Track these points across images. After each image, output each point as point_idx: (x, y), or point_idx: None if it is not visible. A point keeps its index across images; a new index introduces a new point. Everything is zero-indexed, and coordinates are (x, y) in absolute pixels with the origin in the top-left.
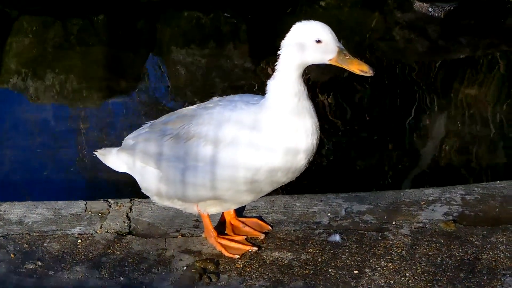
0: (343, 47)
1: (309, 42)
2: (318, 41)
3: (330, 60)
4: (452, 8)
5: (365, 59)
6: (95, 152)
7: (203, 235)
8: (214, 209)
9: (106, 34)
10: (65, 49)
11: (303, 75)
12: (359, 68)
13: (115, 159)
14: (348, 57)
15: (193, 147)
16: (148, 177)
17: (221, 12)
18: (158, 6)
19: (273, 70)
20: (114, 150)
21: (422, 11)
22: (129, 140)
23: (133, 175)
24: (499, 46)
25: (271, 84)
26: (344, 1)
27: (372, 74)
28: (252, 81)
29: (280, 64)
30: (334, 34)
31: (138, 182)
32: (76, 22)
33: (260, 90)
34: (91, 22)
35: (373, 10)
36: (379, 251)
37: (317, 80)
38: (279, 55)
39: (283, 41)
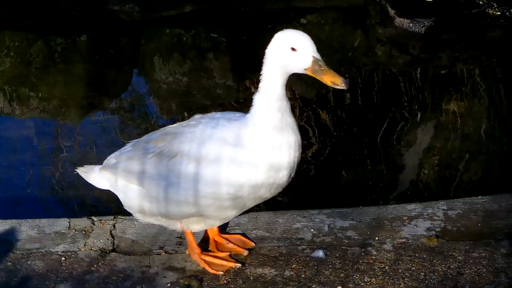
0: (319, 58)
1: (285, 50)
2: (293, 49)
3: (305, 69)
4: (432, 23)
5: (347, 74)
6: (77, 170)
7: (187, 252)
8: (197, 226)
9: (88, 52)
10: (47, 66)
11: (286, 90)
12: (331, 80)
13: (97, 177)
14: (323, 68)
15: (176, 164)
16: (131, 194)
17: (206, 32)
18: (140, 24)
19: (256, 86)
20: (97, 168)
21: (403, 27)
22: (111, 159)
23: (116, 193)
24: (480, 60)
25: (257, 98)
26: (325, 18)
27: (344, 88)
28: (234, 97)
29: (264, 75)
30: (311, 43)
31: (121, 200)
32: (58, 40)
33: (242, 105)
34: (74, 40)
35: (354, 26)
36: (362, 267)
37: (300, 95)
38: (262, 66)
39: (266, 51)
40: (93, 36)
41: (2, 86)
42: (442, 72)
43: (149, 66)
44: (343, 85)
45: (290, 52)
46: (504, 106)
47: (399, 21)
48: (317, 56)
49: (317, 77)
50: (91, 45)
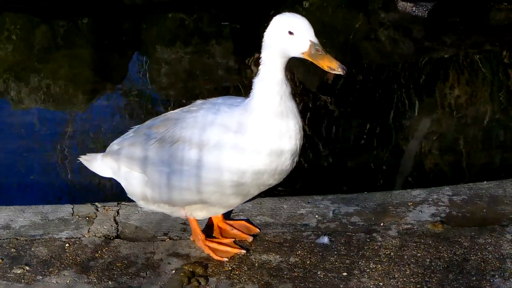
0: (316, 42)
1: (282, 34)
2: (290, 33)
3: (303, 53)
4: (435, 7)
5: (349, 59)
6: (80, 158)
7: (191, 238)
8: (201, 213)
9: (91, 36)
10: (49, 50)
11: (287, 76)
12: (328, 64)
13: (100, 165)
14: (320, 52)
15: (178, 150)
16: (133, 182)
17: (209, 16)
18: (143, 9)
19: (257, 70)
20: (99, 155)
21: (406, 11)
22: (114, 145)
23: (119, 180)
24: (483, 44)
25: (256, 83)
26: (328, 1)
27: (341, 73)
28: (237, 81)
29: (263, 59)
30: (309, 27)
31: (124, 187)
32: (61, 24)
33: (244, 89)
34: (76, 24)
35: (357, 10)
36: (368, 253)
37: (303, 80)
38: (262, 50)
39: (264, 33)
40: (96, 20)
41: (5, 71)
42: (446, 56)
43: (152, 50)
44: (339, 70)
45: (288, 35)
46: (509, 91)
47: (402, 4)
48: (315, 40)
49: (314, 61)
50: (94, 30)
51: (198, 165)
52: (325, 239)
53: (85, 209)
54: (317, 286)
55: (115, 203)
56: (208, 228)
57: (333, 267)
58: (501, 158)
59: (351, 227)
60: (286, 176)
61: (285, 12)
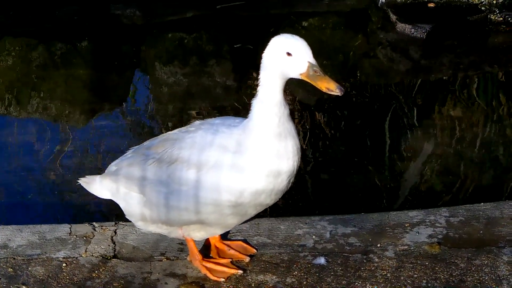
0: (315, 63)
1: (281, 55)
2: (289, 54)
3: (301, 74)
4: (433, 29)
5: (347, 80)
6: (79, 181)
7: (188, 258)
8: (198, 234)
9: (90, 56)
10: (49, 71)
11: (285, 95)
12: (326, 86)
13: (99, 187)
14: (318, 73)
15: (176, 171)
16: (132, 202)
17: (208, 36)
18: (142, 29)
19: (256, 89)
20: (98, 177)
21: (404, 32)
22: (112, 166)
23: (117, 202)
24: (481, 66)
25: (255, 104)
26: (327, 22)
27: (339, 94)
28: (236, 102)
29: (261, 80)
30: (308, 49)
31: (122, 208)
32: (60, 45)
33: (243, 109)
34: (75, 45)
35: (356, 31)
36: (364, 274)
37: (300, 101)
38: (260, 71)
39: (262, 55)
40: (95, 41)
41: (4, 92)
42: (444, 78)
43: (151, 71)
44: (337, 91)
45: (286, 57)
46: (506, 113)
47: (401, 26)
48: (313, 61)
49: (312, 83)
50: (93, 50)
51: (197, 185)
52: (322, 260)
53: (83, 228)
54: None
55: (113, 223)
56: (206, 249)
57: None
58: (498, 180)
59: (348, 248)
60: (282, 195)
61: (283, 33)
